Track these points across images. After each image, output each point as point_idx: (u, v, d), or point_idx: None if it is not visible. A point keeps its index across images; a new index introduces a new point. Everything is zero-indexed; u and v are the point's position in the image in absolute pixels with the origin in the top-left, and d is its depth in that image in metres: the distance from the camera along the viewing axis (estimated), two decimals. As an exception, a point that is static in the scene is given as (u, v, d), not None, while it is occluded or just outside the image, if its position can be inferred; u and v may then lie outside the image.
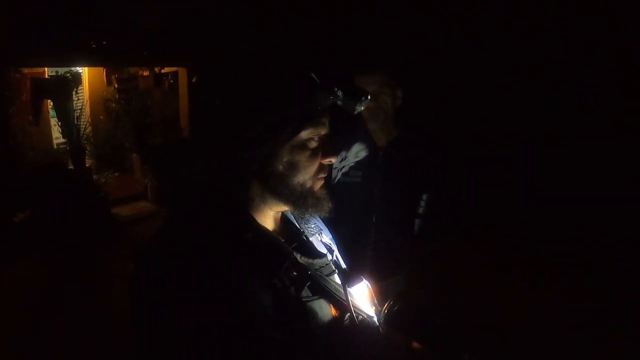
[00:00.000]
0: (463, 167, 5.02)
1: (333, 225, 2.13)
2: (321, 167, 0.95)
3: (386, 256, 2.22)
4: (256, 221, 0.93)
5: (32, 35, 5.21)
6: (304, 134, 0.91)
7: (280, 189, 0.93)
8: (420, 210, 2.36)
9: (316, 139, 0.93)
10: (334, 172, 2.26)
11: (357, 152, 2.21)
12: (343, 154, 2.24)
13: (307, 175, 0.93)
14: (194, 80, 7.48)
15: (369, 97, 0.95)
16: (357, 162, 2.20)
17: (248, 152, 0.90)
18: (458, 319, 0.99)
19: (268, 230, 0.94)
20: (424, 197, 2.35)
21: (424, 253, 2.98)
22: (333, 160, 0.97)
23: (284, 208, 0.98)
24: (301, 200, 0.94)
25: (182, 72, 7.61)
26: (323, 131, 0.94)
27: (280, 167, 0.92)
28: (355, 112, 0.97)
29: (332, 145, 0.96)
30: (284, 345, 0.80)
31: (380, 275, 2.15)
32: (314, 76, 0.92)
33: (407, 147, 2.23)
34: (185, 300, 0.77)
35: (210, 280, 0.78)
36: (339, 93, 0.91)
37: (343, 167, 2.23)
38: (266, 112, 0.89)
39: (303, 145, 0.92)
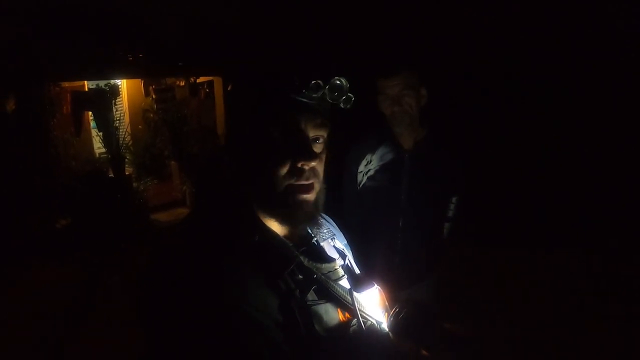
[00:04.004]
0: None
1: (359, 230, 2.10)
2: (294, 171, 0.88)
3: (412, 262, 2.15)
4: (264, 224, 0.93)
5: (72, 51, 5.43)
6: (273, 131, 0.87)
7: (254, 190, 0.92)
8: (450, 213, 2.27)
9: (286, 138, 0.88)
10: (360, 177, 2.22)
11: (383, 154, 2.16)
12: (368, 157, 2.19)
13: (274, 177, 0.88)
14: (229, 88, 7.60)
15: (336, 87, 0.88)
16: (383, 165, 2.14)
17: (235, 152, 0.93)
18: (467, 325, 0.94)
19: (276, 233, 0.93)
20: (454, 199, 2.26)
21: (450, 259, 2.94)
22: (309, 164, 0.88)
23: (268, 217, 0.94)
24: (271, 205, 0.91)
25: (218, 81, 7.73)
26: (290, 126, 0.88)
27: (250, 167, 0.91)
28: (342, 105, 0.91)
29: (309, 149, 0.89)
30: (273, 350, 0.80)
31: (405, 283, 2.10)
32: (275, 69, 0.91)
33: (434, 147, 2.16)
34: (180, 301, 0.79)
35: (205, 283, 0.79)
36: (293, 81, 0.87)
37: (369, 170, 2.18)
38: (244, 109, 0.93)
39: (270, 144, 0.88)
